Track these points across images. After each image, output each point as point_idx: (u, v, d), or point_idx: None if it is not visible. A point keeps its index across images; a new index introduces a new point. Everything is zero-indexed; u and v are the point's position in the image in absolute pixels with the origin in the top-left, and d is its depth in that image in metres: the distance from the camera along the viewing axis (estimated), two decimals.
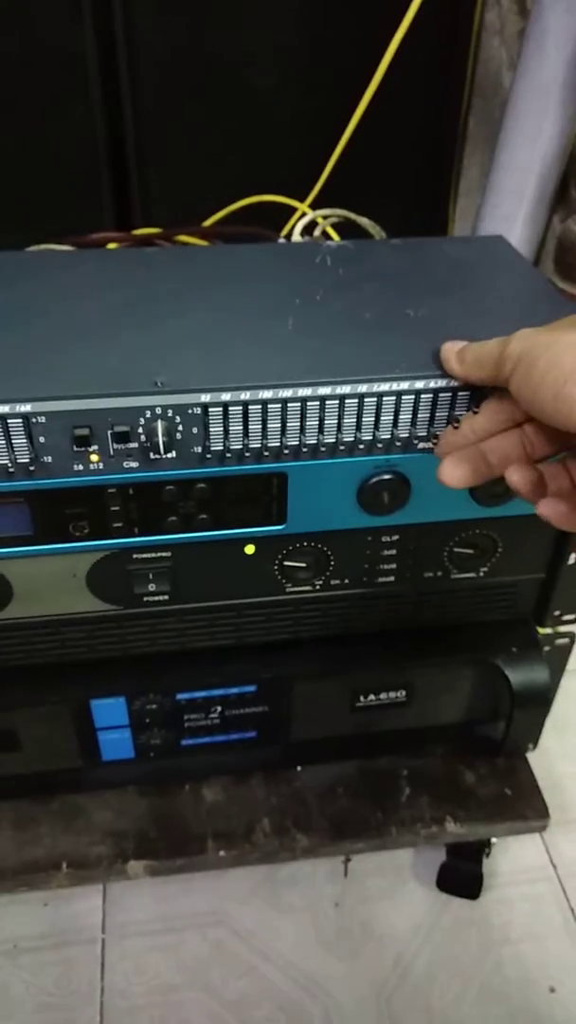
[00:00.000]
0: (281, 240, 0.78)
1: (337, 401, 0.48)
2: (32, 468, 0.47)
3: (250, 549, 0.56)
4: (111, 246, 0.86)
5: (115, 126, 0.98)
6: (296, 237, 0.78)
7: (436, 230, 1.13)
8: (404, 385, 0.48)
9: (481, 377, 0.46)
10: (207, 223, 0.92)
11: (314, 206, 0.89)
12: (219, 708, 0.66)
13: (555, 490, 0.43)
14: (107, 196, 1.02)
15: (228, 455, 0.49)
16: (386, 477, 0.52)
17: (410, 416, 0.50)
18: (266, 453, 0.50)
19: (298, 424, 0.49)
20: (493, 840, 0.77)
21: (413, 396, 0.49)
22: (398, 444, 0.51)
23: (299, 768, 0.73)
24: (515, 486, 0.44)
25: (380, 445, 0.51)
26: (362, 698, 0.67)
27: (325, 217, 0.82)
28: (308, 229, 0.81)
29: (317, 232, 0.80)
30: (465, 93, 1.06)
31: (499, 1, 1.01)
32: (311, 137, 0.94)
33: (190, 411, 0.47)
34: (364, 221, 0.83)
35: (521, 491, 0.44)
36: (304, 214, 0.83)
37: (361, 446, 0.51)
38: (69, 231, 0.86)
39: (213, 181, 1.00)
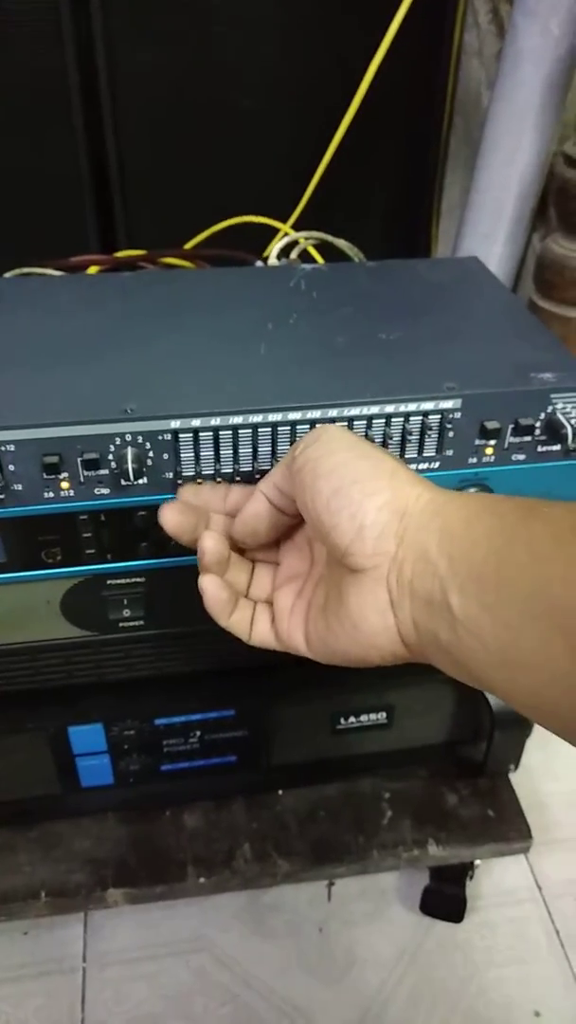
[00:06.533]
0: (258, 263, 0.78)
1: (308, 426, 0.48)
2: (2, 496, 0.47)
3: None
4: (92, 269, 0.86)
5: (97, 150, 0.98)
6: (272, 260, 0.78)
7: (419, 249, 1.13)
8: (374, 409, 0.48)
9: (279, 494, 0.44)
10: (188, 245, 0.92)
11: (297, 227, 0.89)
12: (198, 733, 0.65)
13: (230, 581, 0.45)
14: (91, 219, 1.03)
15: (200, 480, 0.49)
16: None
17: (380, 440, 0.50)
18: (238, 478, 0.49)
19: (269, 449, 0.49)
20: (476, 862, 0.77)
21: (384, 420, 0.49)
22: None
23: (280, 792, 0.72)
24: (202, 549, 0.43)
25: None
26: (343, 720, 0.67)
27: (306, 238, 0.83)
28: (287, 250, 0.81)
29: (294, 254, 0.81)
30: (446, 113, 1.07)
31: (478, 23, 1.02)
32: (294, 158, 0.94)
33: (160, 437, 0.47)
34: (341, 243, 0.84)
35: (204, 557, 0.43)
36: (286, 235, 0.83)
37: None
38: (52, 255, 0.86)
39: (197, 202, 1.00)
